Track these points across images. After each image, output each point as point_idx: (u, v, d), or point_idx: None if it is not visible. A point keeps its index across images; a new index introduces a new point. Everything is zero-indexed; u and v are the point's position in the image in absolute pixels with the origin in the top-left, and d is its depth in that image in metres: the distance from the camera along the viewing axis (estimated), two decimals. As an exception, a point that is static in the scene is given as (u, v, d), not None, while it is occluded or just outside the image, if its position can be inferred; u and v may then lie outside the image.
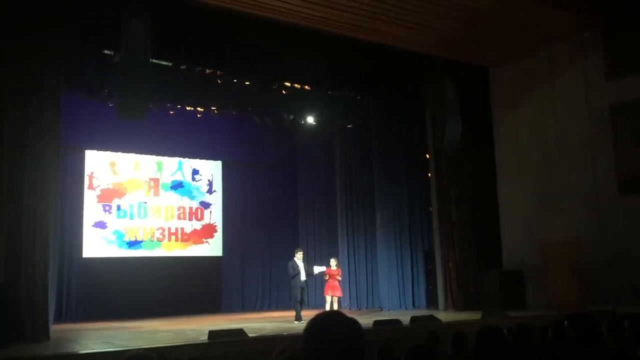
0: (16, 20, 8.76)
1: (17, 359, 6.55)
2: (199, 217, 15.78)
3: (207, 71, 11.58)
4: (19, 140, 8.72)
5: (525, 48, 12.44)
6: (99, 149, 14.36)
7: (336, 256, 13.64)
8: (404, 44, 11.71)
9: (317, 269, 12.23)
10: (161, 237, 15.10)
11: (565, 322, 3.21)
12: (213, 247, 15.88)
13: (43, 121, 9.00)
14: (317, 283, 13.81)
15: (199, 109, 12.95)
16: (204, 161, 15.99)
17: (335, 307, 12.02)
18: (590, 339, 3.04)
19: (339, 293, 12.21)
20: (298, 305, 11.49)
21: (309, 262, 13.23)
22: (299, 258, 11.79)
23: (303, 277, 11.63)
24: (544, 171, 12.53)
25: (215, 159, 16.14)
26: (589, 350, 3.02)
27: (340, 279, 12.33)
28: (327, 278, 12.20)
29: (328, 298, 12.14)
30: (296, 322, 11.10)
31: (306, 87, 12.77)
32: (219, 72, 11.68)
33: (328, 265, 12.61)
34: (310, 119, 13.76)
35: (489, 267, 12.82)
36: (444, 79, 11.64)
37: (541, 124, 12.65)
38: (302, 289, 11.57)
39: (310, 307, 13.38)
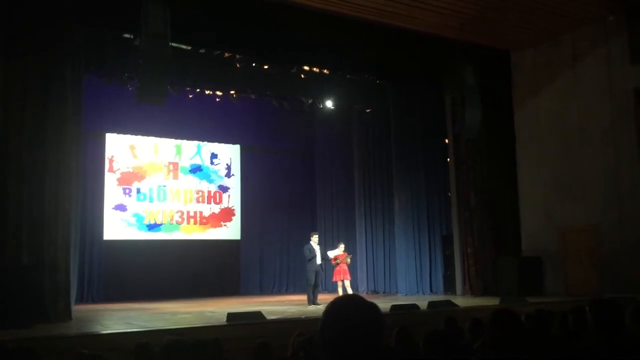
0: (37, 5, 8.82)
1: (41, 339, 6.67)
2: (218, 200, 15.88)
3: (226, 55, 11.58)
4: (41, 125, 8.83)
5: (547, 31, 12.24)
6: (119, 133, 14.49)
7: (346, 241, 13.65)
8: (424, 28, 11.58)
9: (331, 254, 12.21)
10: (180, 220, 15.24)
11: (587, 309, 3.18)
12: (231, 231, 15.99)
13: (64, 106, 9.10)
14: (328, 268, 13.79)
15: (217, 92, 12.98)
16: (222, 145, 16.06)
17: (349, 291, 12.03)
18: (613, 326, 3.02)
19: (348, 277, 12.21)
20: (310, 289, 11.51)
21: (326, 247, 13.27)
22: (314, 242, 11.80)
23: (319, 260, 11.66)
24: (565, 157, 12.37)
25: (233, 143, 16.20)
26: (611, 338, 3.00)
27: (348, 262, 12.32)
28: (338, 262, 12.20)
29: (339, 283, 12.14)
30: (311, 306, 11.13)
31: (325, 71, 12.72)
32: (238, 56, 11.67)
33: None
34: (328, 103, 13.72)
35: (508, 253, 12.74)
36: (464, 63, 11.50)
37: (562, 108, 12.47)
38: (316, 272, 11.59)
39: (323, 291, 13.44)
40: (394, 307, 9.16)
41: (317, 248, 11.74)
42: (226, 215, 15.96)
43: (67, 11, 9.12)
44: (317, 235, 12.10)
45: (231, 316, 8.08)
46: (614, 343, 2.94)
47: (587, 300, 3.37)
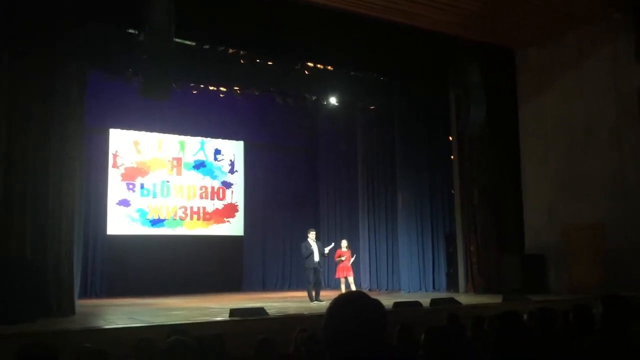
0: (41, 1, 8.82)
1: (44, 333, 6.69)
2: (221, 196, 15.89)
3: (230, 51, 11.57)
4: (44, 121, 8.83)
5: (552, 30, 12.19)
6: (123, 128, 14.51)
7: (349, 238, 13.64)
8: (429, 25, 11.55)
9: (326, 249, 12.18)
10: (183, 215, 15.26)
11: (599, 302, 3.15)
12: (234, 227, 16.01)
13: (68, 102, 9.10)
14: (331, 264, 13.81)
15: (221, 88, 12.96)
16: (226, 141, 16.07)
17: (353, 287, 12.01)
18: (619, 322, 3.02)
19: (351, 273, 12.20)
20: (310, 286, 11.43)
21: (329, 244, 13.25)
22: (312, 238, 11.73)
23: (316, 257, 11.54)
24: (569, 155, 12.34)
25: (237, 139, 16.20)
26: (614, 335, 2.99)
27: (352, 259, 12.30)
28: (342, 259, 12.19)
29: (342, 280, 12.13)
30: (313, 302, 11.10)
31: (329, 67, 12.68)
32: (242, 52, 11.65)
33: (339, 246, 12.58)
34: (332, 100, 13.70)
35: (511, 251, 12.72)
36: (469, 61, 11.47)
37: (567, 107, 12.43)
38: (314, 269, 11.46)
39: (326, 288, 13.42)
40: (396, 304, 9.15)
41: (314, 245, 11.66)
42: (229, 211, 15.98)
43: (71, 6, 9.11)
44: (314, 232, 12.01)
45: (234, 312, 8.10)
46: (618, 341, 2.93)
47: (589, 298, 3.36)
